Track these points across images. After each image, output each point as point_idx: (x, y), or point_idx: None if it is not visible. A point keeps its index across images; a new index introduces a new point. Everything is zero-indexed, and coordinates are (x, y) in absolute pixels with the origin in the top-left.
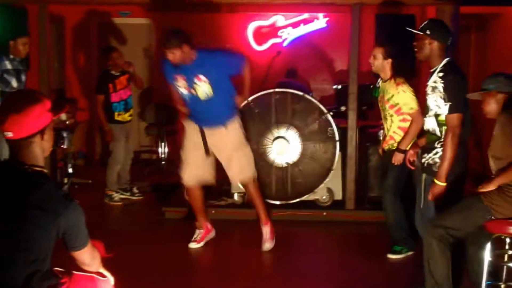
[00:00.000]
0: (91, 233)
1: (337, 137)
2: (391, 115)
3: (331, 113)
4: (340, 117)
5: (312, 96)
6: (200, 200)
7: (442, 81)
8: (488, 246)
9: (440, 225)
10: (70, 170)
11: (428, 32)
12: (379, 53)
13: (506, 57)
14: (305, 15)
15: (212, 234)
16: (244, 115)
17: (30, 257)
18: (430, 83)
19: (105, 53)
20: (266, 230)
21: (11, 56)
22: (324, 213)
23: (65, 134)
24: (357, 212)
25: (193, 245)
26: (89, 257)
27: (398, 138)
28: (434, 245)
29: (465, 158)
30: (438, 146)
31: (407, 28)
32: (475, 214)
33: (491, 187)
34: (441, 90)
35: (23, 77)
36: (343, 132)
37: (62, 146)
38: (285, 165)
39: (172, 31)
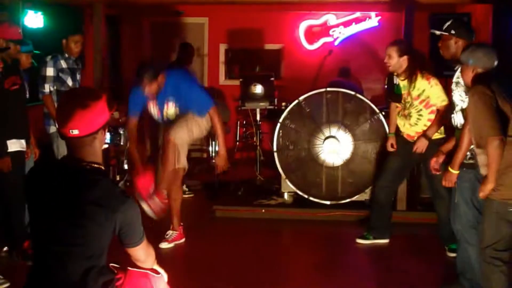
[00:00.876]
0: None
1: None
2: (419, 110)
3: (383, 113)
4: None
5: (363, 96)
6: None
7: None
8: None
9: (484, 247)
10: (126, 167)
11: (453, 31)
12: (393, 51)
13: None
14: (357, 14)
15: (182, 240)
16: (295, 114)
17: (87, 253)
18: (454, 79)
19: (184, 48)
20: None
21: (66, 55)
22: None
23: (121, 131)
24: (408, 213)
25: (164, 245)
26: (144, 253)
27: None
28: (487, 269)
29: None
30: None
31: (431, 30)
32: (499, 216)
33: (489, 187)
34: (463, 83)
35: (78, 76)
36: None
37: (119, 143)
38: (336, 165)
39: (146, 65)
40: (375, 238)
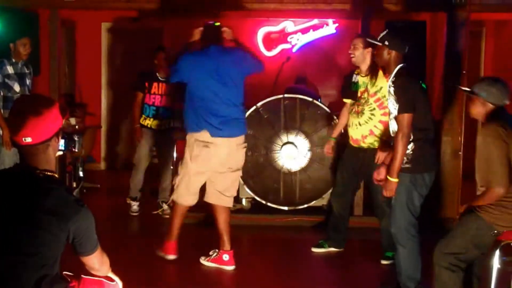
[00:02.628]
0: (99, 238)
1: None
2: (372, 109)
3: None
4: None
5: (321, 102)
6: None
7: (393, 85)
8: (497, 253)
9: (446, 252)
10: (81, 174)
11: (386, 43)
12: (359, 42)
13: None
14: (315, 21)
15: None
16: (253, 120)
17: (40, 262)
18: (387, 88)
19: (154, 51)
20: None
21: (14, 60)
22: None
23: (76, 138)
24: (365, 218)
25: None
26: (98, 262)
27: (378, 133)
28: (444, 274)
29: (431, 156)
30: None
31: (368, 40)
32: (477, 233)
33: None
34: (393, 93)
35: (28, 81)
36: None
37: (73, 150)
38: (293, 170)
39: None
40: (329, 246)
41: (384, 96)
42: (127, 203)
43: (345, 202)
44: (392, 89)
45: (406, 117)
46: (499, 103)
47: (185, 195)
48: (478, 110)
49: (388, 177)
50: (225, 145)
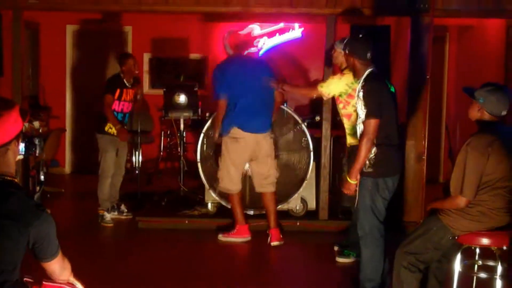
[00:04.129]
0: (61, 243)
1: (311, 147)
2: (341, 107)
3: (306, 123)
4: (315, 127)
5: (287, 106)
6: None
7: (362, 90)
8: (458, 257)
9: (407, 252)
10: (42, 178)
11: (347, 50)
12: (336, 45)
13: (477, 67)
14: (281, 25)
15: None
16: None
17: None
18: (356, 93)
19: (121, 58)
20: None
21: None
22: (298, 223)
23: (37, 142)
24: (330, 222)
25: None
26: (59, 267)
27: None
28: (402, 273)
29: (395, 160)
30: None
31: (334, 45)
32: (436, 235)
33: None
34: (361, 98)
35: None
36: (317, 142)
37: (35, 153)
38: None
39: None
40: (358, 256)
41: (341, 95)
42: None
43: None
44: (361, 94)
45: (373, 122)
46: (495, 113)
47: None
48: (474, 114)
49: (347, 178)
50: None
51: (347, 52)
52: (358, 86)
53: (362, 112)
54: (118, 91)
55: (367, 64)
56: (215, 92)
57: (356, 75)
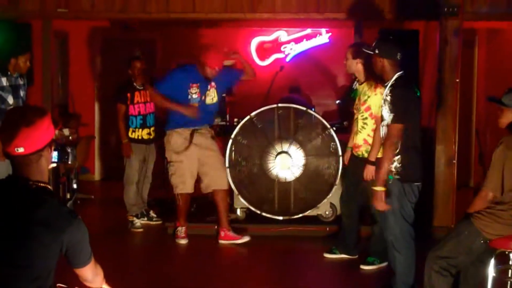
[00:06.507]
0: (92, 249)
1: (340, 152)
2: (365, 118)
3: (334, 128)
4: (343, 132)
5: (315, 111)
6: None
7: (390, 94)
8: (492, 262)
9: (438, 256)
10: (75, 186)
11: (376, 51)
12: (348, 53)
13: (507, 71)
14: (308, 31)
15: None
16: (247, 130)
17: (33, 274)
18: (384, 96)
19: (128, 61)
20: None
21: (9, 72)
22: (327, 229)
23: (69, 150)
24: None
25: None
26: (91, 273)
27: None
28: (433, 278)
29: (420, 166)
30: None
31: (364, 49)
32: (468, 239)
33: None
34: (389, 101)
35: (22, 92)
36: (346, 147)
37: (68, 162)
38: (288, 180)
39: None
40: (340, 253)
41: (375, 106)
42: (127, 218)
43: (350, 210)
44: (388, 98)
45: (398, 127)
46: None
47: None
48: (505, 121)
49: (374, 188)
50: None
51: (376, 53)
52: (386, 90)
53: (388, 115)
54: (129, 95)
55: (396, 65)
56: None
57: (385, 78)
